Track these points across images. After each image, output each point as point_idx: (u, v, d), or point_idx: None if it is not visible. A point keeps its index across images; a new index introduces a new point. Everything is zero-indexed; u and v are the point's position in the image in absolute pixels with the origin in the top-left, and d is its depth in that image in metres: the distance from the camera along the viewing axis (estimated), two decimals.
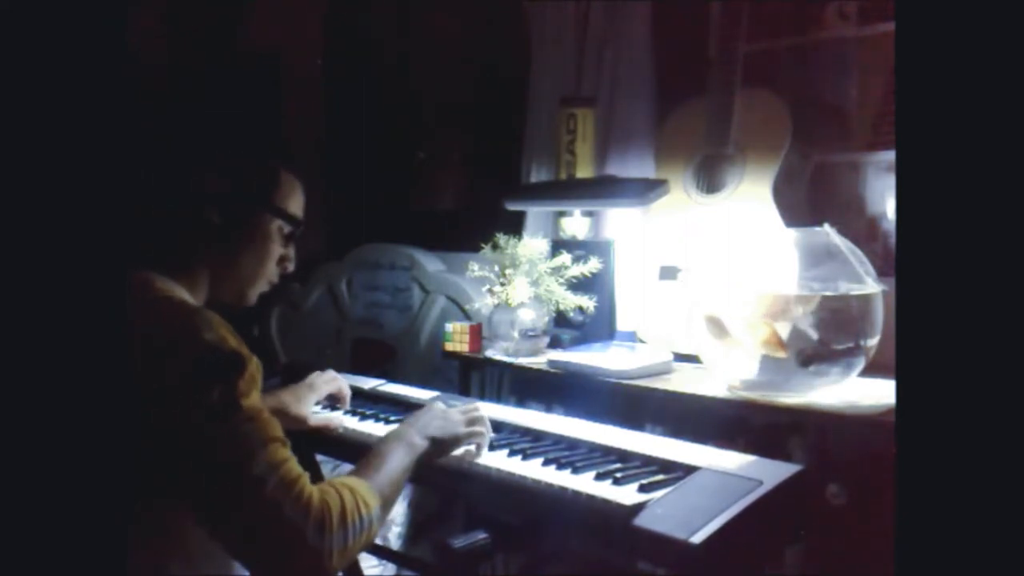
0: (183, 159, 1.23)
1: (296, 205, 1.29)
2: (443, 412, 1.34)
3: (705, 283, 1.54)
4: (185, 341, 1.06)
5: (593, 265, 1.81)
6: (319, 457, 1.88)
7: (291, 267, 1.33)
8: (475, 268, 1.87)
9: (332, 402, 1.68)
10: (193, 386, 1.03)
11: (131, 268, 1.15)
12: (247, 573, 1.16)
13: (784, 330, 1.40)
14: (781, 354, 1.40)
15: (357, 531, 1.06)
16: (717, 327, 1.48)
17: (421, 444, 1.25)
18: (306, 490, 1.04)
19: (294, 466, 1.05)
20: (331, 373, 1.66)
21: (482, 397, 1.94)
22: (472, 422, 1.34)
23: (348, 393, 1.68)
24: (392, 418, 1.58)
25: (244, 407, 1.04)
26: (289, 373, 1.82)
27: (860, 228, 1.80)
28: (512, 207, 2.04)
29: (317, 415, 1.60)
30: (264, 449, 1.03)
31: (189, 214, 1.20)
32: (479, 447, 1.34)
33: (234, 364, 1.06)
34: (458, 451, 1.33)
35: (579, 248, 1.86)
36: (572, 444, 1.37)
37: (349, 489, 1.09)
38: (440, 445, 1.28)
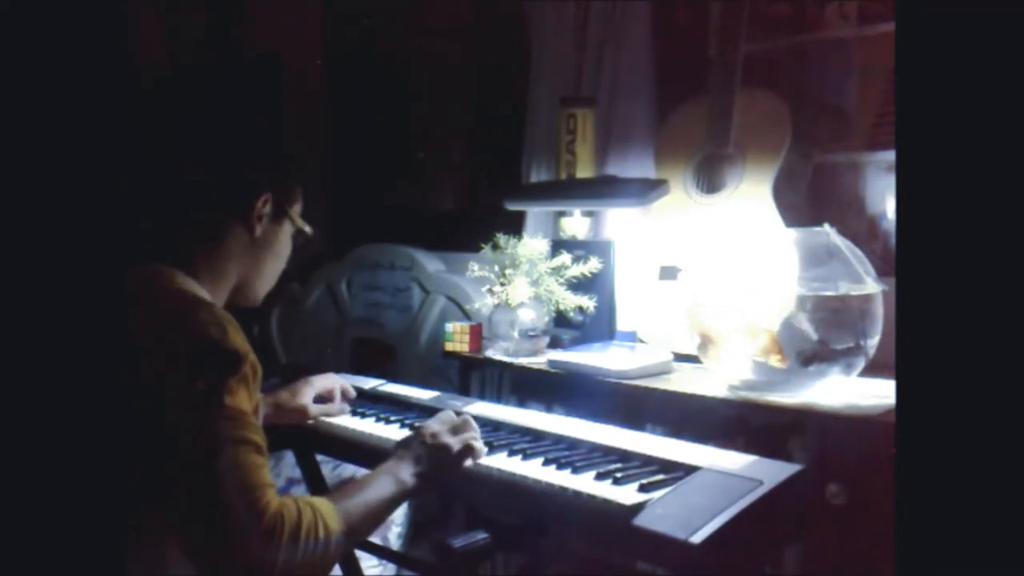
0: (238, 173, 1.27)
1: (299, 210, 1.36)
2: (435, 438, 1.29)
3: (699, 292, 1.54)
4: (185, 331, 1.08)
5: (593, 265, 1.81)
6: (319, 457, 1.89)
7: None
8: (475, 268, 1.87)
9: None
10: (182, 374, 1.05)
11: (155, 262, 1.19)
12: None
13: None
14: (780, 364, 1.40)
15: (309, 550, 1.05)
16: (705, 340, 1.49)
17: (411, 481, 1.24)
18: (263, 498, 1.03)
19: (260, 473, 1.05)
20: (329, 375, 1.67)
21: (482, 397, 1.94)
22: (463, 440, 1.31)
23: (340, 394, 1.66)
24: (392, 418, 1.58)
25: (226, 404, 1.05)
26: (289, 373, 1.82)
27: (860, 228, 1.80)
28: (512, 207, 2.04)
29: (317, 407, 1.60)
30: (233, 448, 1.03)
31: (235, 224, 1.25)
32: (475, 456, 1.31)
33: (228, 361, 1.07)
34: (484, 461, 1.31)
35: (579, 248, 1.86)
36: (572, 444, 1.37)
37: (312, 508, 1.08)
38: (432, 479, 1.26)
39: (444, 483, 1.30)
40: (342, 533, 1.11)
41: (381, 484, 1.21)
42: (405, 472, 1.24)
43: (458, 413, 1.38)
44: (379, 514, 1.20)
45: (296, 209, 1.33)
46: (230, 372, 1.06)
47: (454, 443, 1.29)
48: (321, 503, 1.11)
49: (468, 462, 1.31)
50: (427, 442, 1.29)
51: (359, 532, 1.17)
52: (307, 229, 1.34)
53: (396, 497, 1.22)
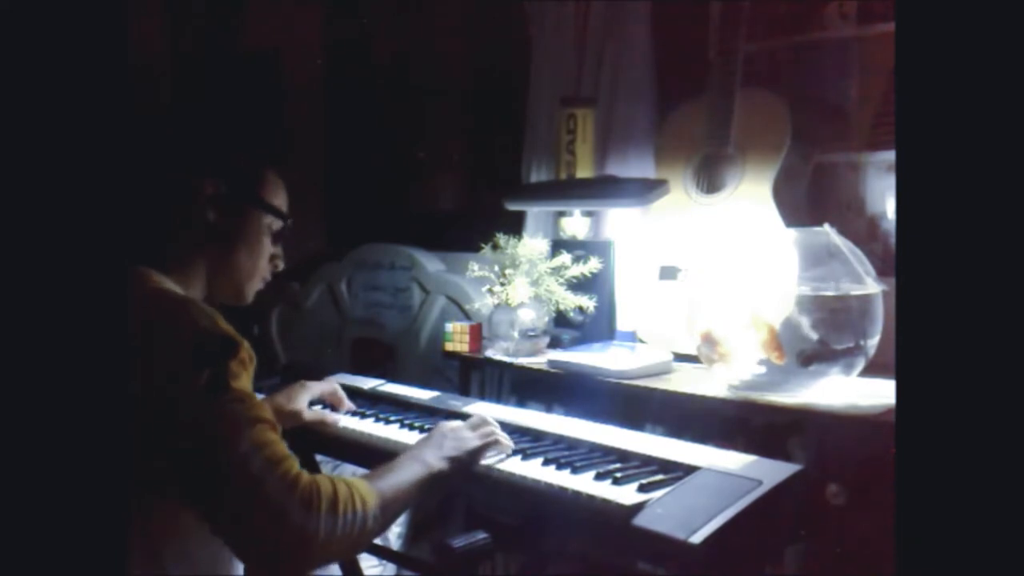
0: (178, 159, 1.25)
1: (282, 202, 1.32)
2: (452, 431, 1.31)
3: (699, 292, 1.53)
4: (178, 326, 1.08)
5: (593, 265, 1.81)
6: (319, 457, 1.89)
7: (281, 265, 1.35)
8: (475, 268, 1.87)
9: (331, 407, 1.68)
10: (185, 368, 1.05)
11: (129, 264, 1.17)
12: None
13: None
14: (779, 360, 1.40)
15: (348, 521, 1.06)
16: (709, 344, 1.49)
17: (438, 464, 1.23)
18: (292, 470, 1.05)
19: (281, 448, 1.06)
20: (328, 380, 1.68)
21: (482, 397, 1.94)
22: (484, 434, 1.32)
23: (342, 396, 1.67)
24: (392, 418, 1.58)
25: (233, 388, 1.06)
26: (289, 373, 1.82)
27: (860, 228, 1.80)
28: (512, 207, 2.04)
29: (312, 411, 1.60)
30: (251, 428, 1.04)
31: (185, 213, 1.22)
32: (502, 449, 1.32)
33: (225, 347, 1.08)
34: (487, 460, 1.31)
35: (579, 248, 1.86)
36: (572, 444, 1.37)
37: (348, 484, 1.09)
38: (458, 463, 1.26)
39: (469, 470, 1.29)
40: (378, 508, 1.11)
41: (410, 467, 1.21)
42: (432, 456, 1.24)
43: (466, 419, 1.37)
44: (409, 496, 1.19)
45: (273, 197, 1.29)
46: (229, 357, 1.07)
47: (474, 437, 1.30)
48: (355, 480, 1.12)
49: (491, 452, 1.31)
50: (448, 433, 1.30)
51: (392, 511, 1.16)
52: (281, 213, 1.29)
53: (425, 480, 1.21)
